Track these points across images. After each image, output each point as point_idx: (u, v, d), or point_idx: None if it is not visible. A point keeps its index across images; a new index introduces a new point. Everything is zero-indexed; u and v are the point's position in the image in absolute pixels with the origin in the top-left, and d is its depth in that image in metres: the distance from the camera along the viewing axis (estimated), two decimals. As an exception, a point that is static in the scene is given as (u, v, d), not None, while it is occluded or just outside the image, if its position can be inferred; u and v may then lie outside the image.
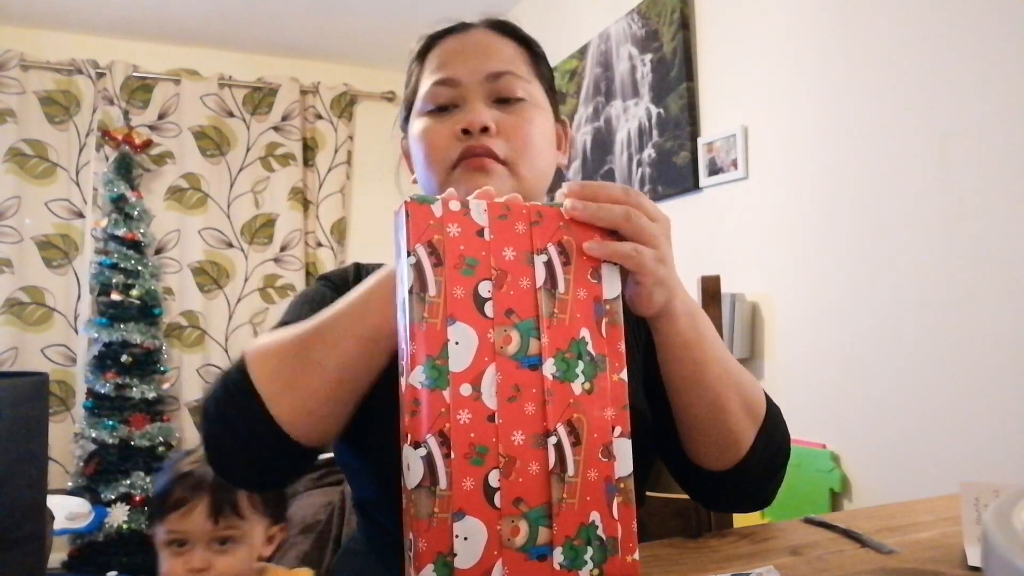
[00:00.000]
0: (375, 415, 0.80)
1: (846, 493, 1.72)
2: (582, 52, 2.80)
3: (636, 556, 0.54)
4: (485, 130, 0.76)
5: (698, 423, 0.67)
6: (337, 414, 0.64)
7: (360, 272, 0.87)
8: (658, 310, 0.60)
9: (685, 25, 2.24)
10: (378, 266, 0.91)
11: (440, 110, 0.80)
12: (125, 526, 2.97)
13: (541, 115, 0.82)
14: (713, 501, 0.78)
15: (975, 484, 0.69)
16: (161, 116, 3.59)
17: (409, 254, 0.51)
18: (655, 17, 2.37)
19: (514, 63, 0.81)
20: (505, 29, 0.85)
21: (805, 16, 1.86)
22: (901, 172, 1.61)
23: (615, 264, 0.56)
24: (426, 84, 0.81)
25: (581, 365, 0.54)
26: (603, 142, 2.68)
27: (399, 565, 0.54)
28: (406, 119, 0.87)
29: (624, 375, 0.55)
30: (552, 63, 3.35)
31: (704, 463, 0.70)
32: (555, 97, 0.87)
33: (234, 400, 0.62)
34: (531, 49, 0.86)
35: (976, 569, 0.64)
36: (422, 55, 0.86)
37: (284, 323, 0.76)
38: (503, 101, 0.79)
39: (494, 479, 0.51)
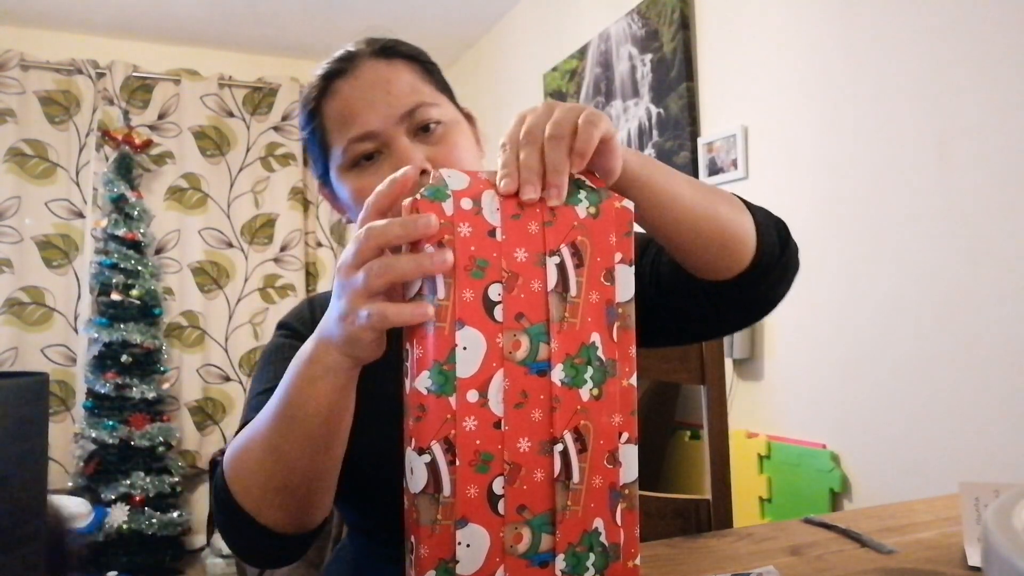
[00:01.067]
0: (361, 459, 0.79)
1: (846, 493, 1.72)
2: (582, 52, 2.80)
3: (637, 561, 0.54)
4: (423, 172, 0.76)
5: (700, 240, 0.67)
6: (318, 497, 0.65)
7: (314, 310, 0.86)
8: (623, 166, 0.59)
9: (685, 25, 2.24)
10: (301, 310, 0.89)
11: (365, 159, 0.77)
12: (125, 526, 2.97)
13: (461, 131, 0.81)
14: (754, 301, 0.76)
15: (975, 484, 0.69)
16: (161, 116, 3.60)
17: None
18: (655, 17, 2.37)
19: (417, 90, 0.79)
20: (393, 52, 0.82)
21: (805, 16, 1.86)
22: (901, 172, 1.61)
23: (630, 265, 0.55)
24: (340, 140, 0.78)
25: (590, 371, 0.52)
26: (603, 142, 2.68)
27: (387, 572, 0.54)
28: (324, 171, 0.83)
29: (634, 380, 0.54)
30: (552, 63, 3.34)
31: (727, 271, 0.70)
32: (454, 97, 0.86)
33: (228, 517, 0.66)
34: (420, 61, 0.85)
35: (976, 569, 0.64)
36: (318, 103, 0.82)
37: (255, 392, 0.78)
38: (423, 129, 0.78)
39: (498, 486, 0.50)
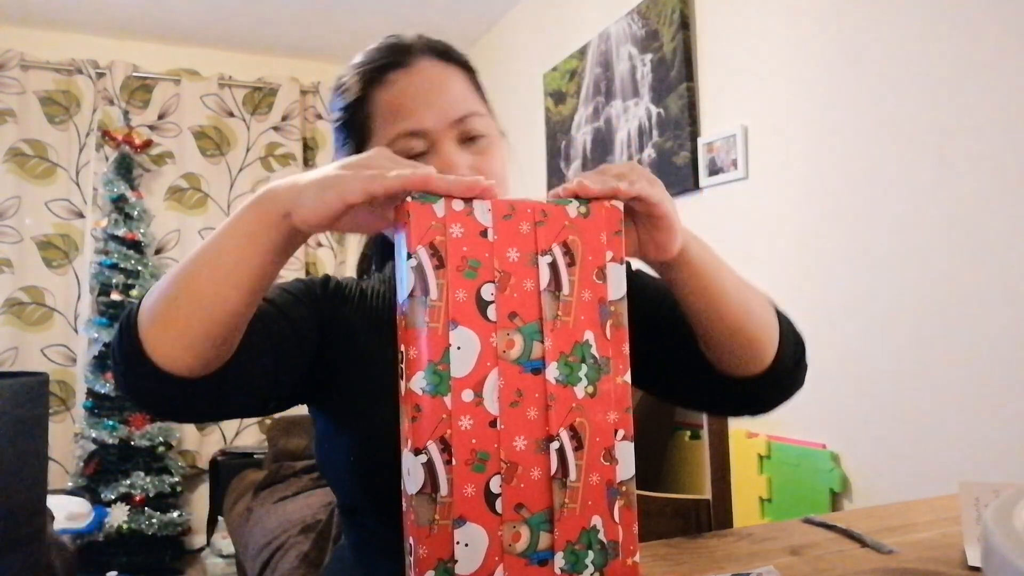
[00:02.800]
0: (355, 415, 0.79)
1: (846, 493, 1.72)
2: (582, 52, 2.80)
3: (637, 558, 0.54)
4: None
5: (729, 337, 0.69)
6: (205, 348, 0.61)
7: (328, 283, 0.87)
8: (678, 251, 0.62)
9: (685, 25, 2.24)
10: (350, 281, 0.90)
11: (411, 159, 0.75)
12: (125, 526, 2.97)
13: (500, 146, 0.81)
14: (751, 404, 0.77)
15: (975, 484, 0.69)
16: (161, 116, 3.59)
17: (410, 256, 0.50)
18: (655, 17, 2.37)
19: (468, 98, 0.79)
20: (448, 56, 0.82)
21: (805, 16, 1.86)
22: (901, 172, 1.61)
23: (621, 263, 0.55)
24: (388, 132, 0.76)
25: (584, 368, 0.53)
26: (603, 142, 2.68)
27: (386, 569, 0.54)
28: (352, 152, 0.80)
29: (628, 377, 0.55)
30: (552, 63, 3.34)
31: (740, 371, 0.71)
32: (491, 108, 0.86)
33: (120, 332, 0.64)
34: (469, 69, 0.84)
35: (976, 569, 0.64)
36: (367, 90, 0.80)
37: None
38: (470, 139, 0.78)
39: (495, 485, 0.50)
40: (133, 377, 0.63)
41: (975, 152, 1.46)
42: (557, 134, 2.99)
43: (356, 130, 0.81)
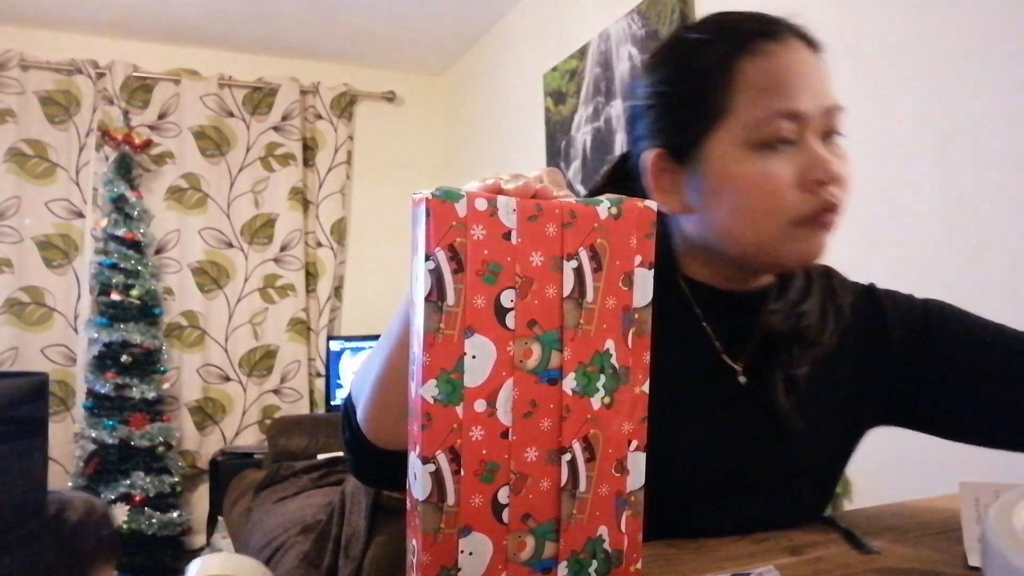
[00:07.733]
0: None
1: (846, 493, 1.72)
2: (582, 52, 2.80)
3: (639, 565, 0.53)
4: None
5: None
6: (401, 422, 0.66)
7: None
8: None
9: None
10: None
11: (778, 144, 0.69)
12: (125, 526, 2.97)
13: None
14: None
15: (975, 484, 0.69)
16: (161, 116, 3.59)
17: (428, 258, 0.47)
18: (655, 17, 2.37)
19: (833, 91, 0.71)
20: (813, 44, 0.73)
21: (804, 16, 1.86)
22: (901, 172, 1.61)
23: (650, 268, 0.52)
24: (758, 109, 0.68)
25: (603, 379, 0.51)
26: (603, 142, 2.68)
27: None
28: (690, 141, 0.71)
29: (646, 387, 0.53)
30: (552, 63, 3.34)
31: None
32: None
33: (343, 415, 0.73)
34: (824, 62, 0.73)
35: (976, 569, 0.64)
36: (731, 59, 0.70)
37: None
38: (826, 135, 0.71)
39: (503, 495, 0.49)
40: (351, 448, 0.71)
41: (976, 151, 1.46)
42: (557, 134, 2.99)
43: (702, 104, 0.71)
